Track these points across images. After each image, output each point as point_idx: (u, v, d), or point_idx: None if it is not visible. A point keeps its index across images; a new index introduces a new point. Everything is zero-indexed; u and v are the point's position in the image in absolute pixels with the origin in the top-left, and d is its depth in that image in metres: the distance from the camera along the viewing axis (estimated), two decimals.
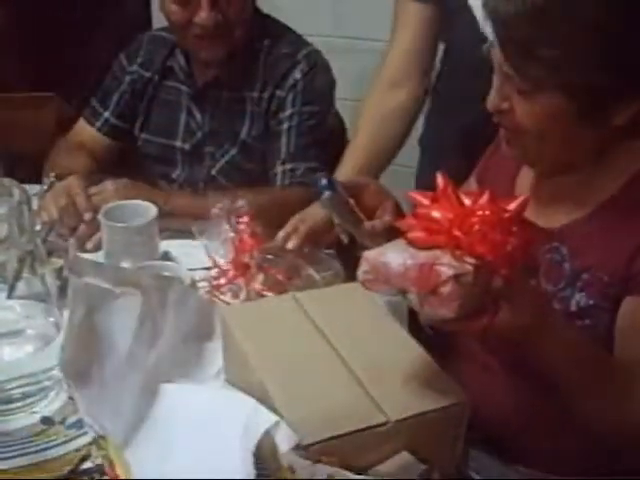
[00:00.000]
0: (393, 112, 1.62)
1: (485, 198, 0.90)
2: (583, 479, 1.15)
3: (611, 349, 1.09)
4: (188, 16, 1.65)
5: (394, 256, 0.89)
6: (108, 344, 1.04)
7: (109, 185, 1.60)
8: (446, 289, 0.86)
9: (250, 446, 0.90)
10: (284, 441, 0.90)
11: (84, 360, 1.03)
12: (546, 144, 1.09)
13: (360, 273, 0.92)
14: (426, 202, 0.92)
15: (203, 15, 1.63)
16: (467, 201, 0.91)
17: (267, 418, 0.93)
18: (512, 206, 0.90)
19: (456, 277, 0.86)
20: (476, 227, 0.87)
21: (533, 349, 1.00)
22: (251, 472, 0.89)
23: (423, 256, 0.88)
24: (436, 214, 0.90)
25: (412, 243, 0.90)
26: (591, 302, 1.10)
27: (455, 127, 1.55)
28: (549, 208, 1.17)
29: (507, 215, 0.89)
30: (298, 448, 0.89)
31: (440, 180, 0.92)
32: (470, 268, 0.87)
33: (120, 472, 0.97)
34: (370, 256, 0.91)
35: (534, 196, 1.17)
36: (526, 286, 0.94)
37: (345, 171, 1.56)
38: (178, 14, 1.66)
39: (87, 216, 1.54)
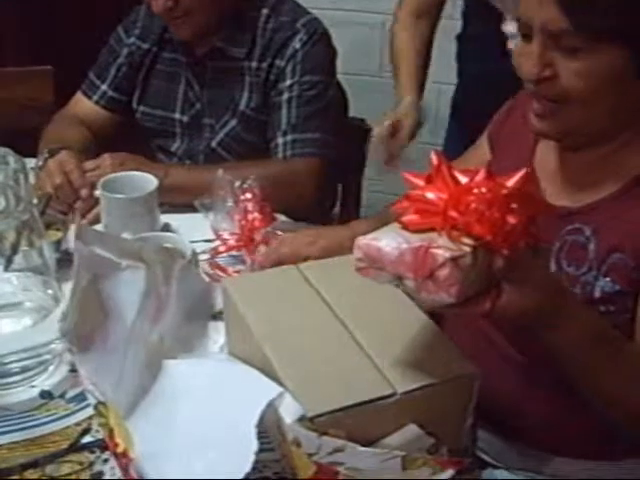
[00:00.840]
0: (421, 41, 1.89)
1: (481, 175, 0.85)
2: None
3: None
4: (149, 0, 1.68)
5: (387, 241, 0.85)
6: (112, 314, 1.02)
7: (107, 159, 1.58)
8: (443, 273, 0.82)
9: (254, 418, 0.89)
10: (288, 413, 0.88)
11: (88, 326, 1.01)
12: (593, 109, 1.02)
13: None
14: (420, 183, 0.87)
15: (154, 3, 1.65)
16: (463, 179, 0.86)
17: (271, 389, 0.91)
18: (511, 182, 0.85)
19: (453, 260, 0.82)
20: (472, 206, 0.83)
21: (546, 331, 0.95)
22: (255, 444, 0.87)
23: (418, 239, 0.84)
24: (430, 195, 0.85)
25: (406, 227, 0.85)
26: (617, 288, 1.05)
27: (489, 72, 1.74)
28: (574, 186, 1.12)
29: (505, 191, 0.84)
30: (303, 420, 0.87)
31: (434, 158, 0.88)
32: (468, 249, 0.83)
33: (120, 440, 0.95)
34: (362, 242, 0.87)
35: (558, 173, 1.13)
36: (533, 265, 0.90)
37: (414, 93, 1.80)
38: None
39: (84, 192, 1.52)
